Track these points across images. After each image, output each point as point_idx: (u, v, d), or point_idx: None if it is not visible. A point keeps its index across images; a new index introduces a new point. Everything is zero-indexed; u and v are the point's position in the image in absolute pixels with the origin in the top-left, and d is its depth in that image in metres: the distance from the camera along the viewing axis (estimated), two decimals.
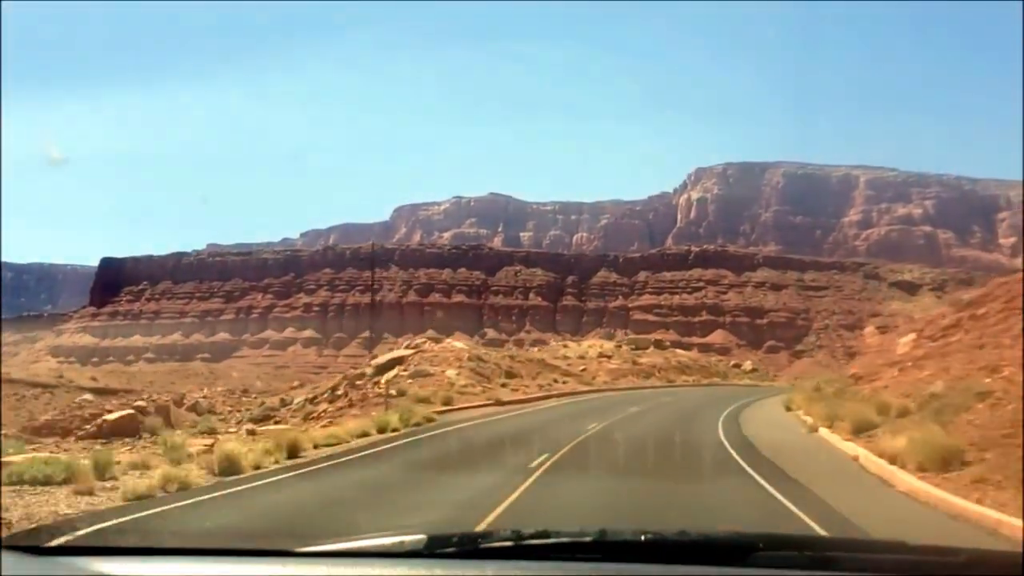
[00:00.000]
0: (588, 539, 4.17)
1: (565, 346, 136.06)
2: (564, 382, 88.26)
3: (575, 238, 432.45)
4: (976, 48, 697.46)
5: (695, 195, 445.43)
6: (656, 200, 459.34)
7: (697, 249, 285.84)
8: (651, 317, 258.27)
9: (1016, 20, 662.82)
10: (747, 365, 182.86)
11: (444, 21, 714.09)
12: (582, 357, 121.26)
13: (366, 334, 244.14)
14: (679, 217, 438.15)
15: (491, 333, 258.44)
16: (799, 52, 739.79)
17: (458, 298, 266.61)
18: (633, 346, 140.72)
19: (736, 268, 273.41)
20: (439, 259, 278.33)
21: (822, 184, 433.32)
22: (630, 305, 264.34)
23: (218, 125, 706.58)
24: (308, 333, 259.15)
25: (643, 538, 4.22)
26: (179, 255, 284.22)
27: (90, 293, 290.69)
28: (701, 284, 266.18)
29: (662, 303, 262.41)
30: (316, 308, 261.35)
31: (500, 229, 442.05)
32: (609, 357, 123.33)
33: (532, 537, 4.16)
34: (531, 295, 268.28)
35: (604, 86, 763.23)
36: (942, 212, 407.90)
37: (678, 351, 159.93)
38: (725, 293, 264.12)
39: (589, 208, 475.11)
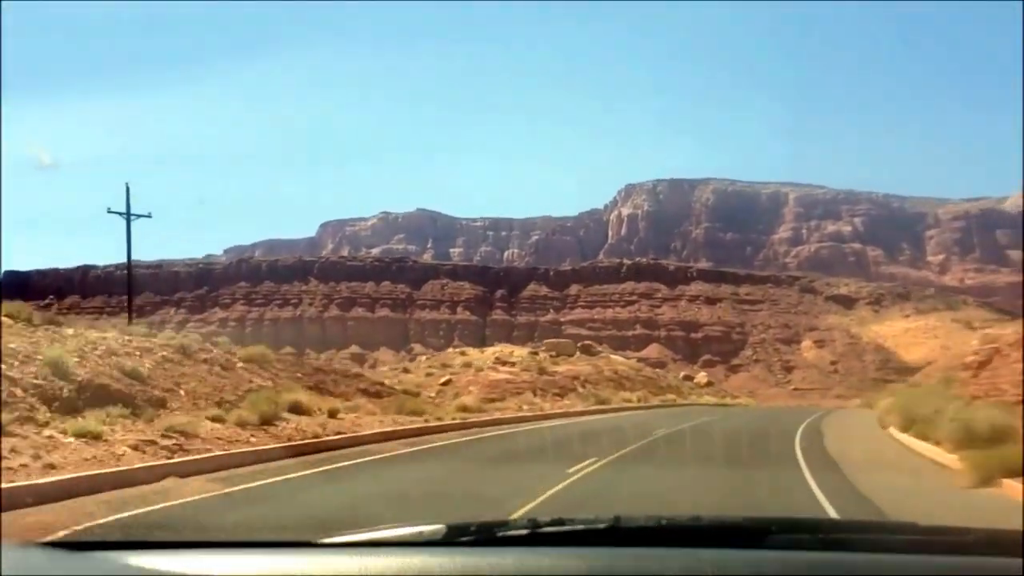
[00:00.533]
0: (603, 526, 4.13)
1: (463, 353, 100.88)
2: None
3: (506, 254, 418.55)
4: (905, 64, 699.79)
5: (626, 211, 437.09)
6: (587, 216, 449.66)
7: (630, 262, 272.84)
8: (584, 331, 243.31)
9: (944, 37, 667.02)
10: (701, 378, 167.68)
11: (365, 29, 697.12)
12: (468, 366, 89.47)
13: (288, 349, 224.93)
14: (610, 233, 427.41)
15: (418, 348, 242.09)
16: (729, 71, 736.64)
17: (382, 312, 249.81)
18: (553, 352, 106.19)
19: (670, 282, 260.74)
20: (361, 272, 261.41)
21: (752, 201, 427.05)
22: (562, 319, 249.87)
23: (145, 135, 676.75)
24: None
25: (657, 523, 4.25)
26: (86, 268, 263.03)
27: None
28: (634, 298, 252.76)
29: (595, 317, 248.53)
30: (232, 323, 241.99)
31: (429, 245, 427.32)
32: (511, 364, 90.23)
33: (548, 525, 4.14)
34: (459, 309, 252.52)
35: (536, 101, 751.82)
36: (871, 229, 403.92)
37: (614, 357, 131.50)
38: (659, 307, 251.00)
39: (520, 224, 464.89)
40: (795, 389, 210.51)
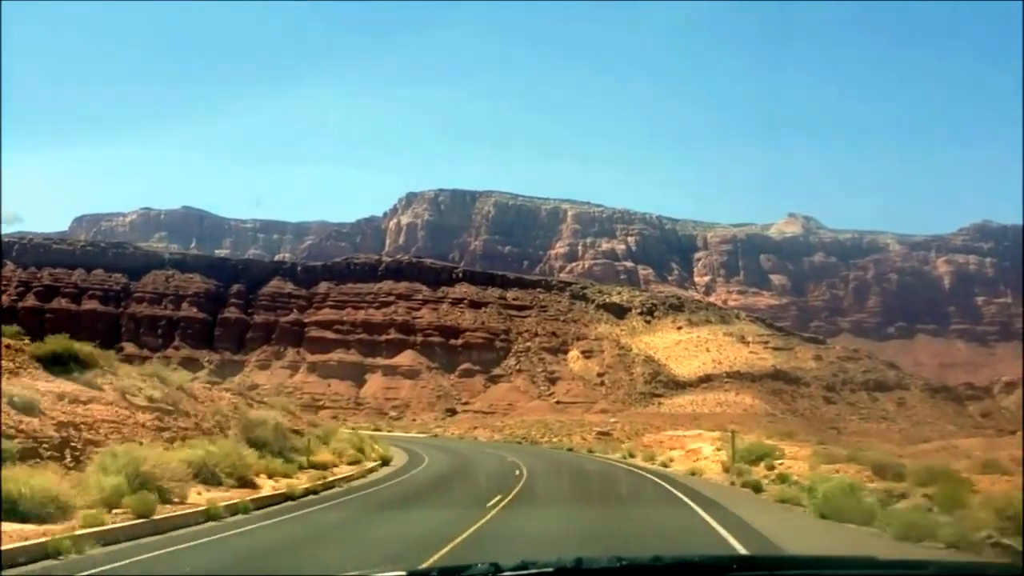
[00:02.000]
0: (567, 567, 3.93)
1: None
2: None
3: (276, 257, 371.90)
4: (683, 91, 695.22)
5: (405, 220, 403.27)
6: (365, 224, 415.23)
7: (389, 259, 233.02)
8: (330, 334, 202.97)
9: (729, 66, 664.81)
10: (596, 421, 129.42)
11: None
12: None
13: None
14: (387, 241, 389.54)
15: (130, 348, 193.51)
16: (509, 88, 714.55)
17: (90, 304, 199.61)
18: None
19: (432, 283, 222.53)
20: (70, 257, 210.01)
21: (532, 216, 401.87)
22: (306, 320, 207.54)
23: None
24: None
25: (619, 564, 4.05)
26: None
27: None
28: (391, 299, 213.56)
29: (344, 318, 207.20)
30: None
31: (193, 245, 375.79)
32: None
33: (511, 569, 3.92)
34: (184, 305, 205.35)
35: (319, 101, 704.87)
36: (643, 249, 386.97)
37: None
38: (418, 310, 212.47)
39: (293, 228, 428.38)
40: (558, 402, 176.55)
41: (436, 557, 15.80)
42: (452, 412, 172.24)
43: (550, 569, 3.70)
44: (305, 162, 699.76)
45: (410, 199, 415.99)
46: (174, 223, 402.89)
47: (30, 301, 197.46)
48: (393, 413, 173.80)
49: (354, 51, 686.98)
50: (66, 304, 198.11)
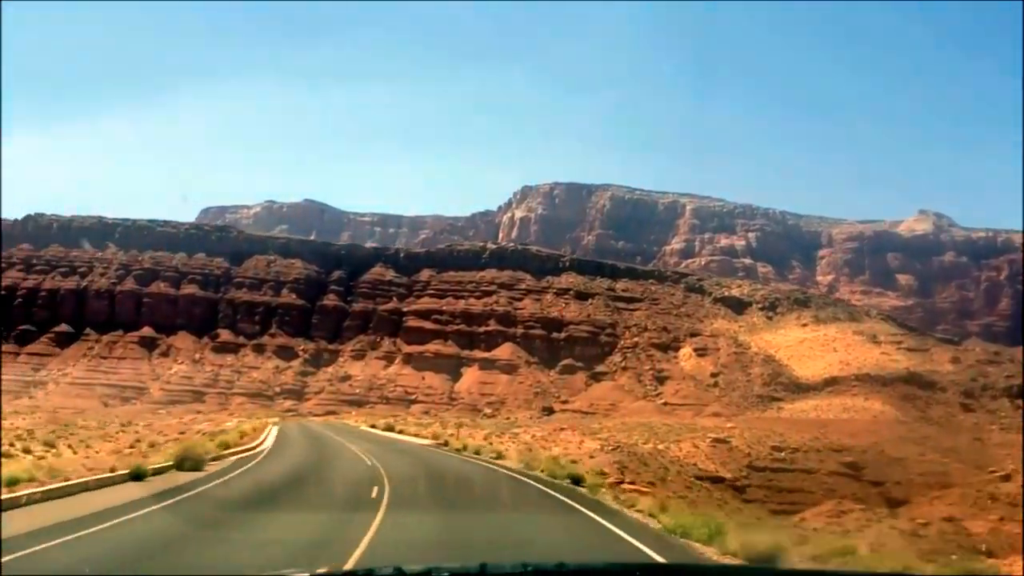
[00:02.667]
0: (471, 572, 3.92)
1: None
2: None
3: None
4: (813, 85, 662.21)
5: (519, 213, 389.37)
6: (480, 217, 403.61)
7: (494, 246, 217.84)
8: (428, 324, 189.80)
9: (858, 59, 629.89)
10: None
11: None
12: None
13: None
14: (501, 235, 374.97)
15: (225, 335, 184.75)
16: (636, 79, 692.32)
17: (189, 289, 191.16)
18: None
19: (538, 271, 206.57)
20: (171, 240, 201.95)
21: (648, 210, 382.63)
22: (405, 309, 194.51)
23: None
24: None
25: (524, 570, 4.07)
26: None
27: None
28: (493, 288, 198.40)
29: (443, 308, 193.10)
30: None
31: (313, 237, 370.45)
32: None
33: (416, 574, 3.94)
34: (284, 291, 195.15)
35: (440, 99, 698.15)
36: (764, 245, 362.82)
37: None
38: (520, 300, 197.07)
39: (409, 221, 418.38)
40: (665, 404, 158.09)
41: None
42: (549, 411, 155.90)
43: (449, 574, 3.43)
44: (424, 154, 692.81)
45: (525, 192, 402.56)
46: (296, 216, 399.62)
47: (128, 284, 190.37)
48: (488, 410, 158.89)
49: (487, 48, 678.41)
50: (164, 288, 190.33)
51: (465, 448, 57.57)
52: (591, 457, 57.99)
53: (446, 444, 64.60)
